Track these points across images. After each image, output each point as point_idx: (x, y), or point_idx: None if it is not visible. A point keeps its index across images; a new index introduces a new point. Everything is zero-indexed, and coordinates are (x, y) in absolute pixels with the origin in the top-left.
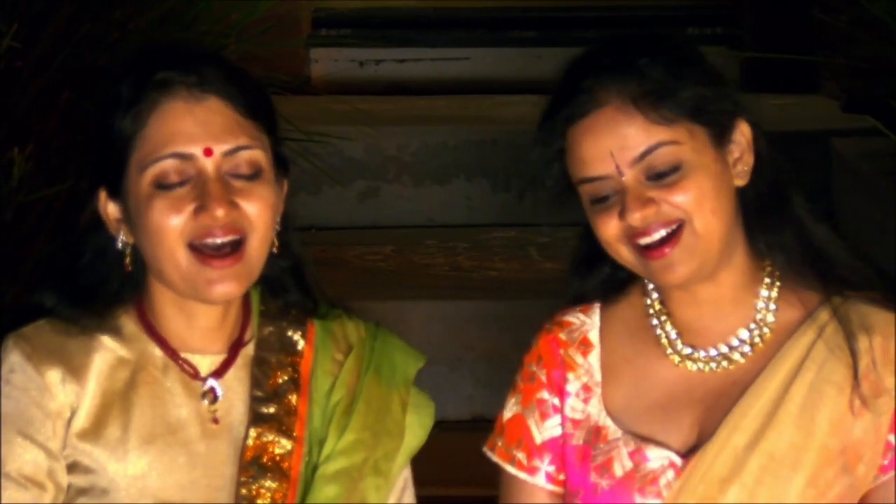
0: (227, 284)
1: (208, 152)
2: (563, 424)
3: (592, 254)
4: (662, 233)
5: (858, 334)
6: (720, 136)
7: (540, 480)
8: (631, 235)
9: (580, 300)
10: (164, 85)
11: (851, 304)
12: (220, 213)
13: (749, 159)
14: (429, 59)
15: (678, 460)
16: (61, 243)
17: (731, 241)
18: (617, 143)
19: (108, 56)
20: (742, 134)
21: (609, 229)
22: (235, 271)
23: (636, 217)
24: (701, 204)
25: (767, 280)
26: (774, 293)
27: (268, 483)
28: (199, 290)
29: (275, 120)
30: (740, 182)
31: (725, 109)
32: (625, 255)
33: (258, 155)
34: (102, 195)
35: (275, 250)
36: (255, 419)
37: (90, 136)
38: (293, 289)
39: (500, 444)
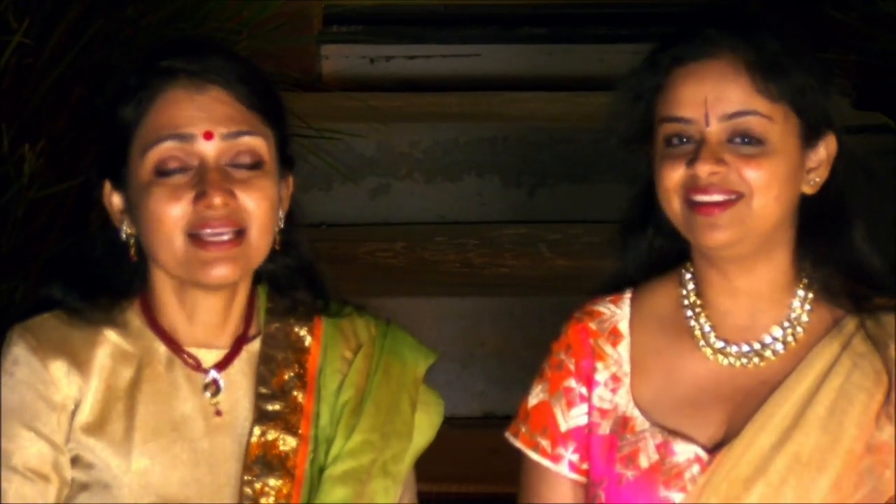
0: (224, 267)
1: (208, 135)
2: (589, 414)
3: (639, 217)
4: (720, 198)
5: (890, 343)
6: (808, 135)
7: (563, 469)
8: (690, 188)
9: (618, 276)
10: (167, 72)
11: (880, 314)
12: (217, 200)
13: (824, 173)
14: (440, 56)
15: (704, 456)
16: (72, 240)
17: (777, 236)
18: (715, 94)
19: (120, 53)
20: (827, 147)
21: (673, 175)
22: (233, 254)
23: (705, 169)
24: (769, 186)
25: (805, 280)
26: (811, 295)
27: (272, 481)
28: (195, 272)
29: (282, 117)
30: (808, 190)
31: (823, 112)
32: (675, 207)
33: (259, 143)
34: (107, 186)
35: (276, 247)
36: (260, 417)
37: (99, 128)
38: (301, 288)
39: (523, 430)
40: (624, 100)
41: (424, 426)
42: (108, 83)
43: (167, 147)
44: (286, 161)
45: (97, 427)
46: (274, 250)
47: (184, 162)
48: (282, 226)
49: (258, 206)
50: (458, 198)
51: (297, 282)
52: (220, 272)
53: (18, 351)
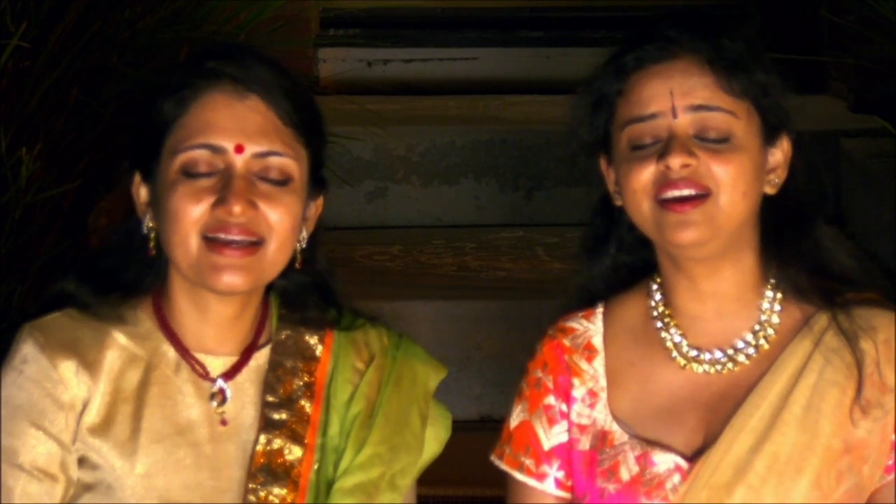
0: (234, 275)
1: (239, 149)
2: (569, 430)
3: (602, 233)
4: (690, 192)
5: (861, 336)
6: (768, 134)
7: (549, 486)
8: (661, 186)
9: (585, 293)
10: (212, 74)
11: (851, 308)
12: (237, 209)
13: (782, 173)
14: (437, 59)
15: (684, 464)
16: (70, 242)
17: (742, 237)
18: (680, 88)
19: (117, 55)
20: (782, 148)
21: (642, 176)
22: (245, 263)
23: (676, 161)
24: (735, 182)
25: (773, 281)
26: (780, 295)
27: (276, 490)
28: (206, 276)
29: (320, 139)
30: (769, 190)
31: (782, 110)
32: (645, 209)
33: (289, 164)
34: (137, 178)
35: (297, 265)
36: (266, 425)
37: (134, 119)
38: (312, 305)
39: (507, 451)
40: (584, 107)
41: (431, 440)
42: (110, 83)
43: (198, 154)
44: (318, 182)
45: (103, 428)
46: (290, 266)
47: (212, 166)
48: (304, 245)
49: (280, 221)
50: (454, 201)
51: (308, 299)
52: (231, 280)
53: (28, 349)
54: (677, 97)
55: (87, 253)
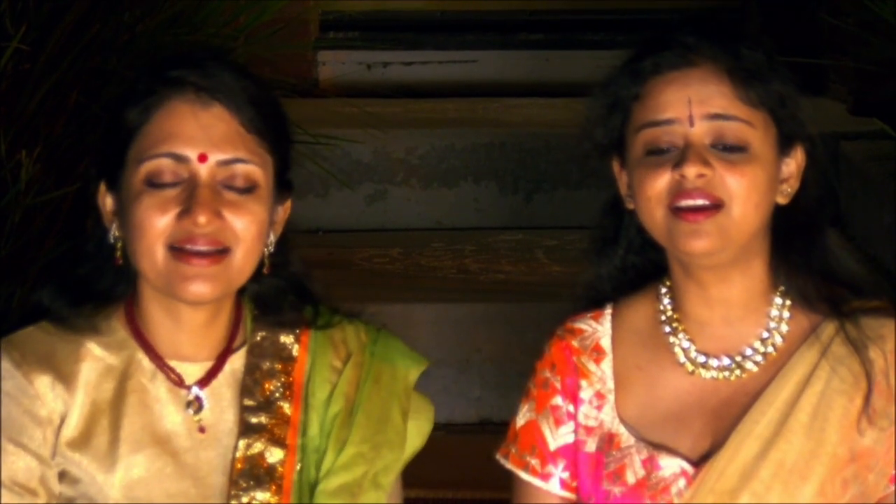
0: (202, 285)
1: (202, 158)
2: (576, 431)
3: (611, 234)
4: (704, 202)
5: (869, 345)
6: (783, 144)
7: (554, 487)
8: (675, 194)
9: (592, 293)
10: (175, 83)
11: (859, 317)
12: (202, 219)
13: (795, 184)
14: (436, 62)
15: (690, 469)
16: (69, 245)
17: (753, 246)
18: (698, 96)
19: (117, 58)
20: (796, 158)
21: (657, 183)
22: (213, 272)
23: (692, 170)
24: (749, 194)
25: (782, 288)
26: (788, 303)
27: (259, 494)
28: (174, 286)
29: (286, 142)
30: (781, 200)
31: (797, 121)
32: (658, 216)
33: (254, 171)
34: (102, 187)
35: (265, 270)
36: (245, 429)
37: (100, 129)
38: (286, 309)
39: (513, 450)
40: (599, 108)
41: (414, 435)
42: (110, 86)
43: (162, 163)
44: (284, 185)
45: (82, 442)
46: (261, 273)
47: (176, 175)
48: (272, 249)
49: (246, 229)
50: (454, 204)
51: (283, 303)
52: (199, 289)
53: (4, 365)
54: (695, 105)
55: (63, 263)
